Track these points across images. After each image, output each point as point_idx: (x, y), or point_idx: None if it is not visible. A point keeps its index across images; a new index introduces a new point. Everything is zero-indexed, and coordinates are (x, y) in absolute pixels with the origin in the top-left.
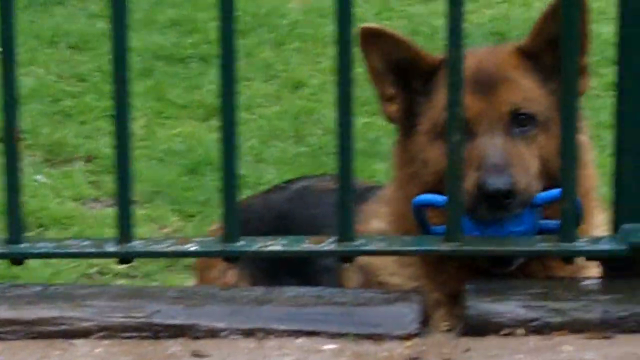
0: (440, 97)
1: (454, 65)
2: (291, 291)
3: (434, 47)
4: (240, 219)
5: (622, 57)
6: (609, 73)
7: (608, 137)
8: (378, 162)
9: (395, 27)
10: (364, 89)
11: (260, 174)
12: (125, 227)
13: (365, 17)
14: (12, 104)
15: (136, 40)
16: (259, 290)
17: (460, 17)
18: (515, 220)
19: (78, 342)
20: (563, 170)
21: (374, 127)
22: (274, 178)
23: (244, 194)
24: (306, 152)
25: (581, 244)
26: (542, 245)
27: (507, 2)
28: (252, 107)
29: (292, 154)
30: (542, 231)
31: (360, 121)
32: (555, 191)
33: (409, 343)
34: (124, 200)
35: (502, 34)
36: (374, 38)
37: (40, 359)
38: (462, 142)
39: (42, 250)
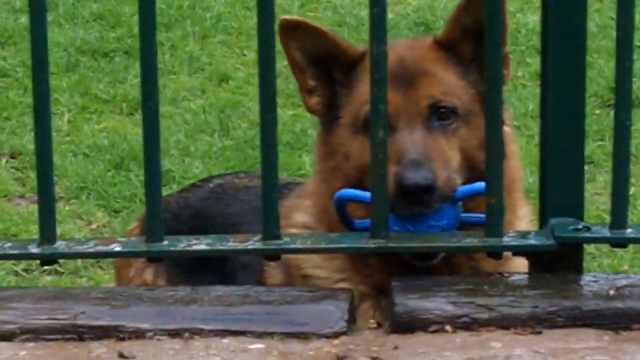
0: (361, 90)
1: (377, 61)
2: (217, 291)
3: (359, 39)
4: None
5: (546, 46)
6: (536, 62)
7: (536, 127)
8: (305, 155)
9: (320, 18)
10: (290, 81)
11: (186, 169)
12: (47, 228)
13: (291, 9)
14: None
15: (60, 35)
16: (184, 290)
17: (384, 12)
18: (437, 214)
19: (1, 345)
20: (488, 163)
21: (301, 119)
22: (200, 172)
23: (171, 188)
24: (232, 146)
25: (508, 239)
26: (469, 240)
27: None
28: (178, 100)
29: (218, 147)
30: (464, 224)
31: (287, 113)
32: (477, 185)
33: (336, 342)
34: (46, 202)
35: (427, 24)
36: (293, 30)
37: None
38: (385, 139)
39: None
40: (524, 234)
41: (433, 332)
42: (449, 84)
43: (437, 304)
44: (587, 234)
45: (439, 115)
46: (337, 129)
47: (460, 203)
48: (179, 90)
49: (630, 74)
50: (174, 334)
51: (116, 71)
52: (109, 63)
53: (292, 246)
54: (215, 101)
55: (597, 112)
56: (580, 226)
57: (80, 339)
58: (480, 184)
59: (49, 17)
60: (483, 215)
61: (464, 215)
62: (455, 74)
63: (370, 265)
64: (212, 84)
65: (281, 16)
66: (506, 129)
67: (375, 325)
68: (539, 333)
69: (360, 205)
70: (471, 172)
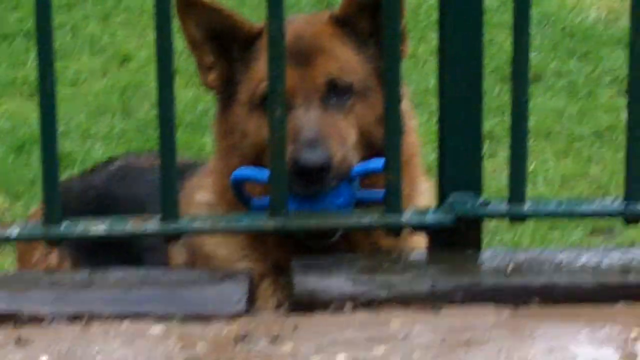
0: (258, 67)
1: (274, 38)
2: (116, 273)
3: (260, 18)
4: (61, 200)
5: (443, 22)
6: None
7: (437, 103)
8: (207, 135)
9: None
10: (191, 61)
11: (88, 150)
12: None
13: None
14: None
15: None
16: (83, 274)
17: None
18: (333, 193)
19: None
20: (386, 140)
21: (203, 99)
22: (102, 154)
23: (72, 171)
24: (134, 127)
25: (407, 216)
26: (369, 218)
27: None
28: (79, 82)
29: (120, 129)
30: (361, 201)
31: (188, 94)
32: (374, 162)
33: (236, 322)
34: None
35: (328, 1)
36: (190, 7)
37: None
38: (283, 118)
39: None
40: (423, 210)
41: (333, 311)
42: (346, 60)
43: (337, 283)
44: (486, 210)
45: (336, 92)
46: (234, 107)
47: (356, 181)
48: (81, 72)
49: (526, 48)
50: (73, 318)
51: (16, 53)
52: (9, 45)
53: (191, 227)
54: (116, 82)
55: (497, 87)
56: (479, 202)
57: None
58: (377, 162)
59: None
60: (380, 192)
61: (361, 192)
62: (352, 50)
63: (269, 244)
64: (113, 64)
65: None
66: (404, 104)
67: (275, 305)
68: (438, 310)
69: (258, 184)
70: (369, 149)
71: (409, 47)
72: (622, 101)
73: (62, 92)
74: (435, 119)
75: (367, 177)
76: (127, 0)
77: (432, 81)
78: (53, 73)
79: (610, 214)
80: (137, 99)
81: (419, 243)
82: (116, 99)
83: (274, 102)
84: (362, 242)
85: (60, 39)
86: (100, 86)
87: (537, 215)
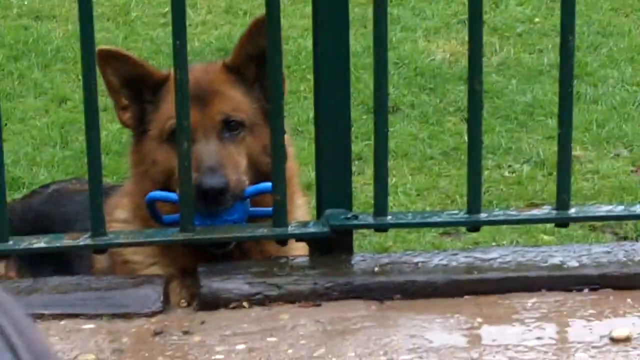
0: (166, 107)
1: (180, 85)
2: (54, 280)
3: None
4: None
5: (317, 65)
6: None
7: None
8: None
9: (140, 48)
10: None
11: (34, 176)
12: None
13: (116, 41)
14: None
15: None
16: (28, 282)
17: (185, 43)
18: (229, 210)
19: None
20: (273, 166)
21: (127, 131)
22: (45, 178)
23: (21, 192)
24: (71, 156)
25: (292, 229)
26: (261, 231)
27: (230, 24)
28: (26, 119)
29: (60, 157)
30: (252, 216)
31: (115, 127)
32: (262, 185)
33: (154, 319)
34: None
35: (227, 50)
36: (108, 58)
37: None
38: (189, 150)
39: None
40: (304, 224)
41: (233, 308)
42: (237, 101)
43: (236, 285)
44: (355, 222)
45: (230, 127)
46: (146, 140)
47: (248, 200)
48: (27, 111)
49: (386, 85)
50: None
51: None
52: None
53: (117, 241)
54: (56, 119)
55: (365, 117)
56: (349, 215)
57: None
58: (265, 185)
59: None
60: (268, 209)
61: (251, 209)
62: (242, 92)
63: (177, 251)
64: (53, 105)
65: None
66: (285, 135)
67: (185, 304)
68: (319, 305)
69: (167, 203)
70: (257, 173)
71: (288, 86)
72: (463, 127)
73: (12, 127)
74: (313, 145)
75: (256, 197)
76: (64, 52)
77: (311, 113)
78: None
79: (456, 224)
80: (73, 133)
81: (299, 249)
82: (56, 133)
83: (181, 137)
84: (254, 250)
85: (9, 84)
86: (43, 122)
87: (397, 226)
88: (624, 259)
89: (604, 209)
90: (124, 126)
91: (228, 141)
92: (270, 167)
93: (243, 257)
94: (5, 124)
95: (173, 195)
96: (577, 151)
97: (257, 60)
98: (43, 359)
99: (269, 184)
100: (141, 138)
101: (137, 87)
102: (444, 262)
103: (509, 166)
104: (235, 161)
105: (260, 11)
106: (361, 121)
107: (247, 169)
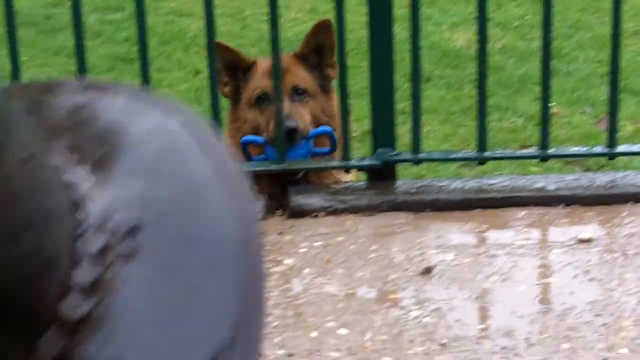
0: (253, 82)
1: (275, 64)
2: None
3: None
4: None
5: (372, 50)
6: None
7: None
8: None
9: (250, 37)
10: None
11: None
12: None
13: (233, 32)
14: None
15: None
16: None
17: (277, 36)
18: (298, 147)
19: None
20: (342, 118)
21: (226, 100)
22: None
23: None
24: (202, 110)
25: (354, 162)
26: (332, 162)
27: (312, 21)
28: (172, 86)
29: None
30: (313, 154)
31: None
32: (320, 128)
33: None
34: None
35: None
36: (215, 49)
37: None
38: (280, 106)
39: None
40: (362, 158)
41: (313, 216)
42: (302, 76)
43: (315, 200)
44: (398, 157)
45: (297, 93)
46: (239, 105)
47: (311, 141)
48: (173, 80)
49: (419, 62)
50: None
51: None
52: None
53: None
54: (192, 86)
55: (406, 85)
56: (394, 153)
57: None
58: (323, 128)
59: None
60: (325, 149)
61: (314, 149)
62: (306, 72)
63: (265, 178)
64: (190, 75)
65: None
66: (334, 97)
67: (280, 214)
68: (373, 215)
69: (255, 147)
70: (317, 127)
71: (352, 62)
72: (475, 92)
73: (162, 91)
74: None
75: (317, 138)
76: (198, 39)
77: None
78: None
79: (469, 159)
80: (204, 95)
81: (348, 178)
82: (192, 95)
83: (274, 98)
84: (315, 179)
85: (161, 62)
86: (184, 88)
87: (427, 160)
88: (588, 184)
89: (574, 149)
90: (224, 96)
91: (297, 102)
92: (324, 122)
93: (307, 183)
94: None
95: (260, 139)
96: (554, 110)
97: (317, 51)
98: (227, 166)
99: (326, 127)
100: (236, 104)
101: (233, 68)
102: (460, 185)
103: (508, 119)
104: (302, 113)
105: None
106: (403, 88)
107: (310, 121)
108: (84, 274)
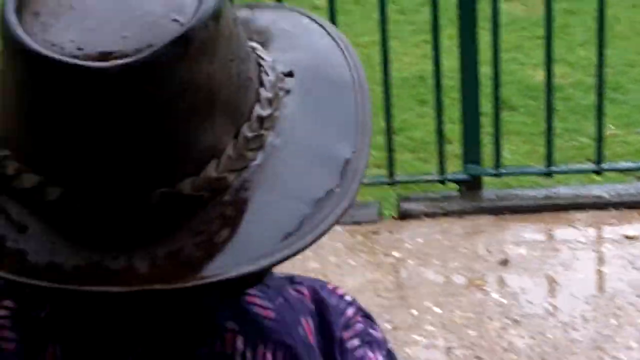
0: None
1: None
2: None
3: None
4: None
5: (462, 84)
6: None
7: None
8: None
9: None
10: None
11: None
12: None
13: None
14: None
15: None
16: None
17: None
18: None
19: None
20: (437, 142)
21: None
22: None
23: None
24: None
25: (449, 176)
26: (428, 176)
27: None
28: None
29: None
30: None
31: None
32: None
33: (372, 225)
34: None
35: None
36: None
37: None
38: None
39: None
40: (456, 172)
41: (417, 219)
42: None
43: (418, 206)
44: (483, 172)
45: None
46: None
47: None
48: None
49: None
50: None
51: None
52: None
53: None
54: None
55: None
56: (479, 168)
57: None
58: None
59: None
60: None
61: None
62: None
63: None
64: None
65: None
66: None
67: (390, 217)
68: (463, 217)
69: None
70: None
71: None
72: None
73: None
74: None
75: None
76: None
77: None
78: None
79: (539, 174)
80: None
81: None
82: None
83: None
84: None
85: None
86: None
87: (506, 174)
88: (636, 192)
89: (625, 164)
90: None
91: None
92: None
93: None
94: None
95: None
96: (612, 131)
97: None
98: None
99: None
100: None
101: None
102: (533, 194)
103: (576, 140)
104: None
105: None
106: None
107: None
108: (266, 92)
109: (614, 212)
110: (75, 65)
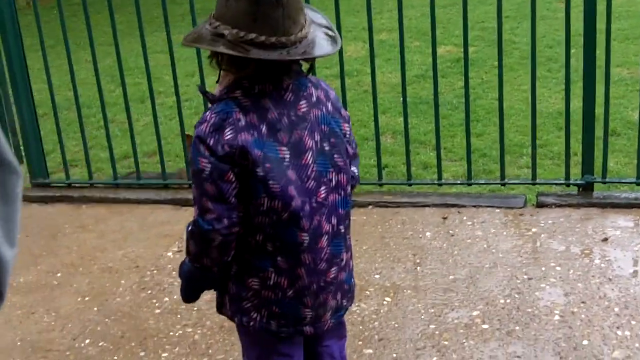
0: None
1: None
2: None
3: None
4: None
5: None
6: None
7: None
8: None
9: None
10: None
11: None
12: None
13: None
14: None
15: None
16: None
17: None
18: None
19: None
20: (566, 157)
21: None
22: None
23: None
24: None
25: (572, 180)
26: (560, 180)
27: None
28: None
29: None
30: None
31: None
32: None
33: (521, 210)
34: None
35: None
36: None
37: None
38: None
39: None
40: (576, 179)
41: (548, 207)
42: None
43: (550, 199)
44: (593, 180)
45: None
46: None
47: None
48: None
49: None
50: None
51: None
52: None
53: None
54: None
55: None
56: (591, 177)
57: None
58: None
59: None
60: None
61: None
62: None
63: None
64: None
65: None
66: None
67: (531, 205)
68: (579, 209)
69: None
70: None
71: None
72: None
73: None
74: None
75: None
76: None
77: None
78: None
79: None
80: None
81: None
82: None
83: None
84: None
85: None
86: None
87: (610, 182)
88: None
89: None
90: None
91: None
92: None
93: None
94: None
95: None
96: None
97: None
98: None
99: None
100: None
101: None
102: (627, 195)
103: None
104: None
105: None
106: (600, 139)
107: None
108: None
109: None
110: None
